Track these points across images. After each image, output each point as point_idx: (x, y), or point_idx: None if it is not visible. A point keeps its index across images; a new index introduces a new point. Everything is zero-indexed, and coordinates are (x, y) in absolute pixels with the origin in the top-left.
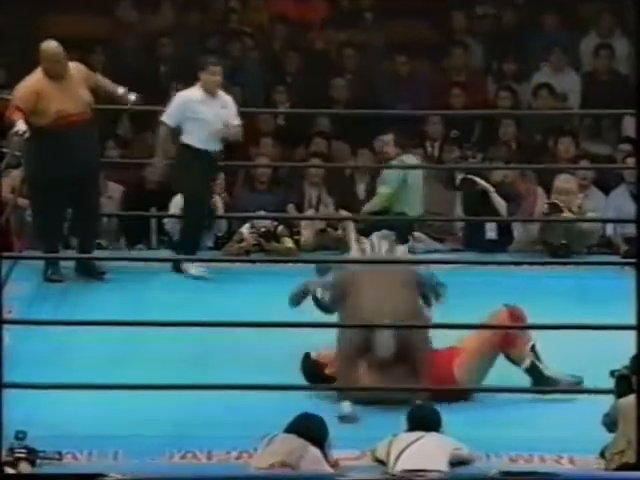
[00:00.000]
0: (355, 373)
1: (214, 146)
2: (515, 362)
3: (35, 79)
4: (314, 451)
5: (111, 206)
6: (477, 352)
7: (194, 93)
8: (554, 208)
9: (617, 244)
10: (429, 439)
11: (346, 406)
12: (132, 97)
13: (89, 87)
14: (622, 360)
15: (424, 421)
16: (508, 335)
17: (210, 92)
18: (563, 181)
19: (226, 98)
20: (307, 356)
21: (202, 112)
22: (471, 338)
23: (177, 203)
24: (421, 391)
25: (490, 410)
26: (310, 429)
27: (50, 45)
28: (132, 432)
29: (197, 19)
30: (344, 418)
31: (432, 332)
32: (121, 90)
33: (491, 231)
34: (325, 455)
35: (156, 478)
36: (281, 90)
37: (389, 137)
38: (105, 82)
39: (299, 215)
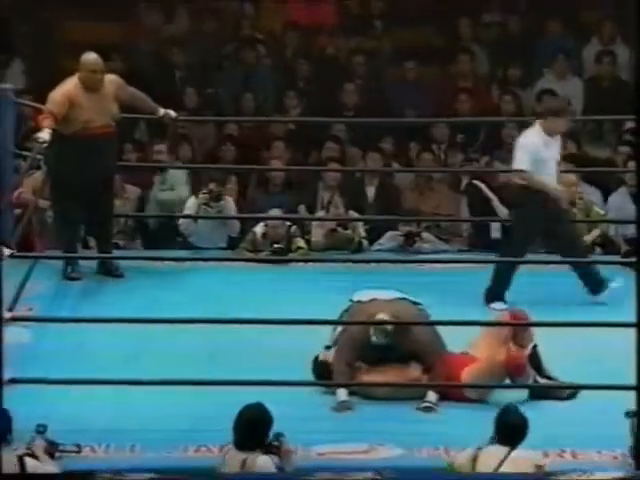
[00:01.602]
0: (354, 376)
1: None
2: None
3: (70, 87)
4: (260, 461)
5: (128, 207)
6: (488, 368)
7: (536, 138)
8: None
9: (618, 244)
10: (519, 457)
11: (342, 394)
12: (172, 114)
13: (122, 100)
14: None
15: (512, 431)
16: (516, 361)
17: (552, 135)
18: (564, 175)
19: (557, 136)
20: (316, 358)
21: (545, 155)
22: (479, 342)
23: (191, 205)
24: (424, 388)
25: (494, 408)
26: (247, 437)
27: (90, 57)
28: (148, 426)
29: (212, 26)
30: (340, 404)
31: (443, 335)
32: (162, 111)
33: (496, 231)
34: (274, 446)
35: (149, 478)
36: (292, 95)
37: (161, 147)
38: (143, 98)
39: (309, 216)
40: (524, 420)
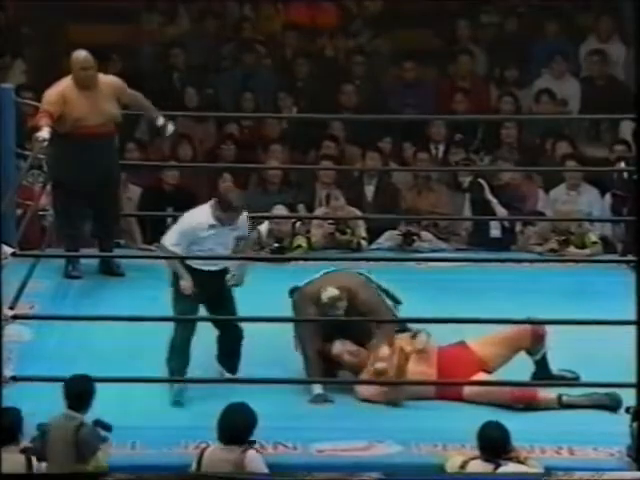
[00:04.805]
0: (328, 361)
1: None
2: (531, 353)
3: (63, 85)
4: (250, 455)
5: (130, 206)
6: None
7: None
8: (563, 244)
9: (614, 243)
10: (509, 469)
11: (316, 387)
12: (170, 127)
13: (122, 103)
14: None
15: (494, 444)
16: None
17: None
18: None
19: None
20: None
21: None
22: (487, 341)
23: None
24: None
25: (491, 405)
26: (235, 433)
27: (80, 54)
28: (149, 423)
29: (212, 27)
30: (315, 397)
31: (439, 329)
32: (161, 121)
33: (495, 229)
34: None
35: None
36: (291, 95)
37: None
38: (144, 104)
39: (309, 215)
40: (505, 432)
